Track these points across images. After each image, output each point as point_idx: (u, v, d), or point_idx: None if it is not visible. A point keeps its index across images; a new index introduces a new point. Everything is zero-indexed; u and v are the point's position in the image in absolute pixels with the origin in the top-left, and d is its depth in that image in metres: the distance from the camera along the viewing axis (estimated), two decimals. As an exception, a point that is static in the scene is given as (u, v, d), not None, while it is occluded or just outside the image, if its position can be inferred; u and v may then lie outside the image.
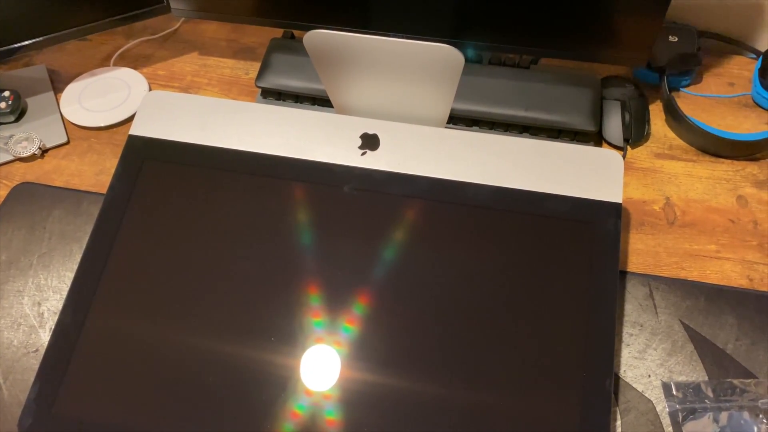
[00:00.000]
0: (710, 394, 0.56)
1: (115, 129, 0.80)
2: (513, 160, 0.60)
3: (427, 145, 0.61)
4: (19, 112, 0.79)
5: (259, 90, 0.80)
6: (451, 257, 0.57)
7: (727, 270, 0.64)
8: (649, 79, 0.79)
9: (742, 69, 0.81)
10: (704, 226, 0.67)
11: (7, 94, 0.79)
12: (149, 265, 0.59)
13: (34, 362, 0.61)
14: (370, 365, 0.54)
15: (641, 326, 0.60)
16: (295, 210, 0.60)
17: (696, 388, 0.56)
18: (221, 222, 0.60)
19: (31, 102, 0.81)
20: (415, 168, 0.60)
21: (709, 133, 0.72)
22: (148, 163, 0.64)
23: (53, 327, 0.57)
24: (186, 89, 0.83)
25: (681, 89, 0.79)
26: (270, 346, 0.55)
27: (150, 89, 0.83)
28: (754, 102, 0.78)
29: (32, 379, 0.57)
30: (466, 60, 0.56)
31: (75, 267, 0.66)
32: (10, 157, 0.76)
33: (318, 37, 0.59)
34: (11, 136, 0.77)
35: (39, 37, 0.77)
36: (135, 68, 0.85)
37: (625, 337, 0.60)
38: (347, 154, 0.62)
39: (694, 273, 0.64)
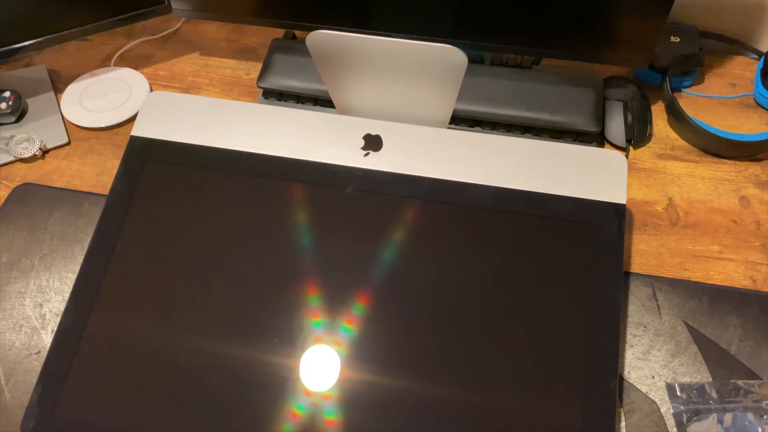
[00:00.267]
0: (714, 395, 0.56)
1: (115, 129, 0.79)
2: (516, 160, 0.60)
3: (430, 146, 0.61)
4: (19, 113, 0.79)
5: (261, 90, 0.80)
6: (454, 258, 0.57)
7: (730, 271, 0.64)
8: (650, 80, 0.79)
9: (743, 69, 0.81)
10: (707, 227, 0.67)
11: (7, 94, 0.78)
12: (151, 267, 0.59)
13: (37, 364, 0.61)
14: (371, 366, 0.54)
15: (645, 327, 0.60)
16: (297, 211, 0.60)
17: (700, 389, 0.56)
18: (223, 223, 0.60)
19: (32, 102, 0.81)
20: (418, 169, 0.60)
21: (711, 134, 0.71)
22: (150, 164, 0.63)
23: (55, 328, 0.57)
24: (187, 90, 0.83)
25: (683, 90, 0.79)
26: (273, 348, 0.55)
27: (151, 90, 0.83)
28: (756, 102, 0.77)
29: (34, 381, 0.57)
30: (469, 61, 0.56)
31: (76, 268, 0.66)
32: (11, 158, 0.76)
33: (320, 38, 0.59)
34: (12, 137, 0.77)
35: (39, 37, 0.77)
36: (136, 68, 0.85)
37: (629, 338, 0.60)
38: (350, 155, 0.62)
39: (697, 274, 0.64)
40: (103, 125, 0.79)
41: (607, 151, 0.59)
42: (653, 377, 0.58)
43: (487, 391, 0.52)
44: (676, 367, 0.58)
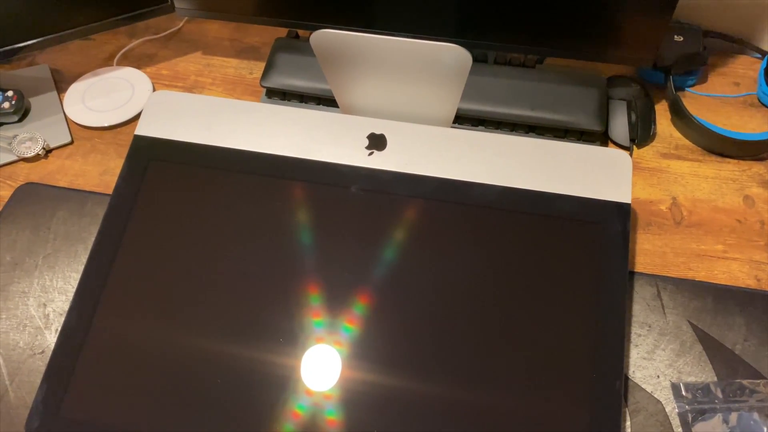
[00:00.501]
0: (719, 394, 0.56)
1: (118, 129, 0.79)
2: (521, 160, 0.60)
3: (435, 145, 0.61)
4: (22, 112, 0.79)
5: (264, 90, 0.80)
6: (458, 258, 0.57)
7: (734, 270, 0.64)
8: (653, 79, 0.79)
9: (747, 69, 0.81)
10: (711, 226, 0.67)
11: (10, 93, 0.78)
12: (155, 266, 0.59)
13: (41, 364, 0.61)
14: (374, 366, 0.54)
15: (649, 327, 0.60)
16: (301, 211, 0.60)
17: (705, 388, 0.56)
18: (227, 223, 0.60)
19: (35, 102, 0.81)
20: (423, 168, 0.60)
21: (715, 133, 0.71)
22: (153, 163, 0.63)
23: (59, 328, 0.57)
24: (190, 89, 0.83)
25: (686, 89, 0.79)
26: (277, 347, 0.55)
27: (154, 89, 0.83)
28: (760, 101, 0.77)
29: (39, 380, 0.57)
30: (472, 60, 0.56)
31: (80, 268, 0.66)
32: (14, 158, 0.76)
33: (325, 37, 0.59)
34: (15, 137, 0.77)
35: (42, 36, 0.77)
36: (138, 68, 0.84)
37: (634, 337, 0.60)
38: (354, 155, 0.61)
39: (701, 273, 0.64)
40: (106, 124, 0.79)
41: (612, 151, 0.59)
42: (658, 377, 0.58)
43: (492, 390, 0.52)
44: (681, 367, 0.58)
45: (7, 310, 0.64)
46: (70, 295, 0.65)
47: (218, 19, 0.78)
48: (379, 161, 0.61)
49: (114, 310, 0.58)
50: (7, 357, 0.62)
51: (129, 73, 0.84)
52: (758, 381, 0.56)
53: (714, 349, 0.59)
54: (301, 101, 0.78)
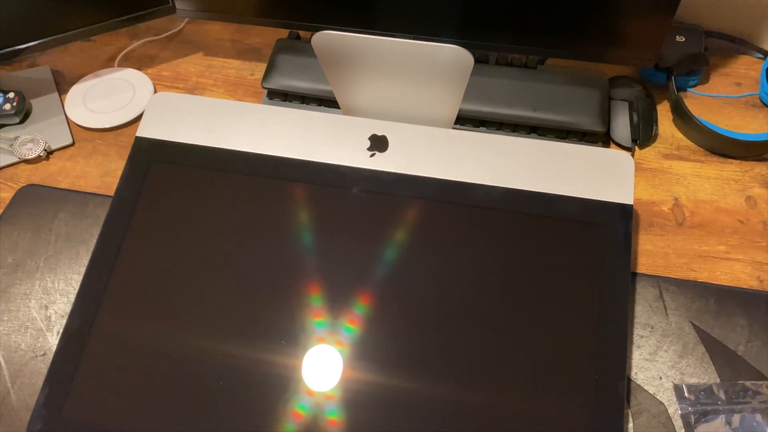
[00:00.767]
0: (722, 396, 0.55)
1: (119, 130, 0.79)
2: (522, 161, 0.60)
3: (437, 147, 0.61)
4: (23, 114, 0.79)
5: (265, 91, 0.80)
6: (460, 259, 0.57)
7: (737, 271, 0.64)
8: (655, 80, 0.79)
9: (749, 69, 0.81)
10: (713, 227, 0.67)
11: (11, 95, 0.78)
12: (157, 268, 0.59)
13: (42, 366, 0.61)
14: (381, 367, 0.54)
15: (652, 328, 0.60)
16: (303, 212, 0.60)
17: (708, 390, 0.56)
18: (229, 224, 0.60)
19: (36, 103, 0.81)
20: (424, 169, 0.60)
21: (717, 134, 0.71)
22: (155, 165, 0.63)
23: (61, 330, 0.57)
24: (191, 90, 0.83)
25: (688, 89, 0.79)
26: (280, 348, 0.55)
27: (155, 90, 0.82)
28: (762, 102, 0.77)
29: (41, 383, 0.57)
30: (474, 60, 0.56)
31: (82, 270, 0.66)
32: (15, 159, 0.76)
33: (326, 38, 0.59)
34: (16, 138, 0.77)
35: (43, 38, 0.77)
36: (139, 69, 0.84)
37: (636, 338, 0.60)
38: (356, 156, 0.61)
39: (703, 274, 0.64)
40: (107, 126, 0.79)
41: (614, 152, 0.59)
42: (661, 378, 0.58)
43: (494, 392, 0.52)
44: (684, 368, 0.58)
45: (9, 312, 0.64)
46: (72, 297, 0.65)
47: (219, 20, 0.78)
48: (380, 162, 0.61)
49: (116, 312, 0.58)
50: (9, 359, 0.62)
51: (130, 74, 0.84)
52: (761, 382, 0.56)
53: (716, 351, 0.59)
54: (303, 102, 0.78)
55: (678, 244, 0.66)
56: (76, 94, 0.81)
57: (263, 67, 0.82)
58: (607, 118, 0.72)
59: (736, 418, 0.54)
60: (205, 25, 0.90)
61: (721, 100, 0.78)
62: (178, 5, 0.77)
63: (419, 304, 0.55)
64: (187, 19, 0.90)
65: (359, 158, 0.61)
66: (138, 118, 0.79)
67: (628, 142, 0.73)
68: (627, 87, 0.76)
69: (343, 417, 0.52)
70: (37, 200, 0.72)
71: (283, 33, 0.85)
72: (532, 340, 0.53)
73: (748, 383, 0.56)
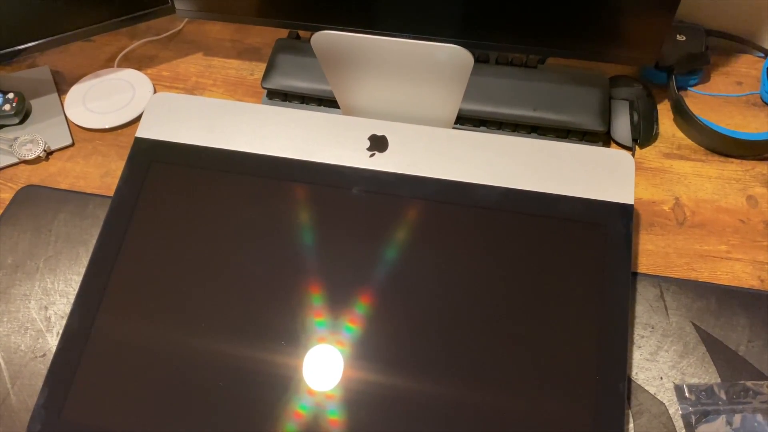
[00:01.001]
0: (723, 396, 0.55)
1: (119, 131, 0.79)
2: (523, 161, 0.60)
3: (437, 147, 0.61)
4: (23, 114, 0.79)
5: (265, 91, 0.80)
6: (461, 259, 0.57)
7: (738, 271, 0.64)
8: (656, 79, 0.78)
9: (750, 68, 0.80)
10: (714, 227, 0.67)
11: (11, 96, 0.78)
12: (157, 269, 0.59)
13: (42, 367, 0.61)
14: (382, 366, 0.53)
15: (652, 328, 0.60)
16: (303, 212, 0.60)
17: (709, 390, 0.56)
18: (229, 225, 0.60)
19: (36, 104, 0.81)
20: (424, 169, 0.60)
21: (718, 133, 0.71)
22: (155, 165, 0.63)
23: (61, 331, 0.57)
24: (191, 90, 0.83)
25: (689, 88, 0.79)
26: (281, 348, 0.55)
27: (155, 90, 0.82)
28: (763, 101, 0.77)
29: (40, 384, 0.57)
30: (474, 60, 0.56)
31: (82, 270, 0.66)
32: (15, 160, 0.76)
33: (326, 38, 0.58)
34: (16, 139, 0.76)
35: (42, 38, 0.77)
36: (139, 69, 0.84)
37: (637, 338, 0.60)
38: (356, 156, 0.61)
39: (704, 274, 0.64)
40: (107, 126, 0.78)
41: (615, 151, 0.59)
42: (661, 378, 0.57)
43: (495, 392, 0.52)
44: (685, 368, 0.58)
45: (9, 313, 0.64)
46: (72, 298, 0.65)
47: (219, 20, 0.78)
48: (380, 162, 0.61)
49: (116, 313, 0.58)
50: (9, 360, 0.62)
51: (130, 74, 0.84)
52: (762, 382, 0.56)
53: (717, 351, 0.58)
54: (303, 102, 0.78)
55: (679, 243, 0.66)
56: (75, 94, 0.81)
57: (263, 67, 0.82)
58: (607, 118, 0.72)
59: (737, 419, 0.54)
60: (205, 25, 0.90)
61: (722, 99, 0.78)
62: (177, 5, 0.77)
63: (420, 304, 0.55)
64: (186, 19, 0.90)
65: (359, 158, 0.61)
66: (138, 119, 0.79)
67: (628, 142, 0.73)
68: (627, 86, 0.76)
69: (344, 417, 0.52)
70: (36, 201, 0.72)
71: (283, 33, 0.85)
72: (533, 341, 0.53)
73: (749, 383, 0.56)
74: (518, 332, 0.54)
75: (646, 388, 0.57)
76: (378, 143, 0.62)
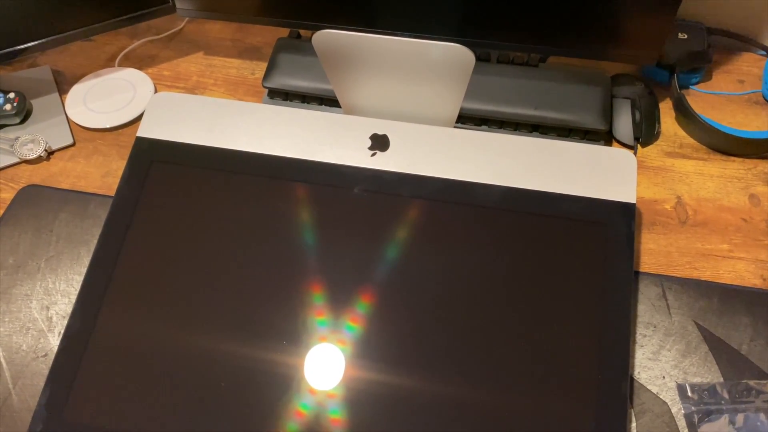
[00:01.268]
0: (726, 395, 0.55)
1: (120, 130, 0.79)
2: (524, 160, 0.60)
3: (438, 146, 0.61)
4: (24, 114, 0.79)
5: (266, 90, 0.80)
6: (462, 259, 0.56)
7: (740, 270, 0.64)
8: (658, 77, 0.78)
9: (752, 66, 0.80)
10: (716, 226, 0.67)
11: (12, 95, 0.78)
12: (158, 268, 0.59)
13: (44, 367, 0.61)
14: (383, 366, 0.53)
15: (655, 327, 0.60)
16: (304, 212, 0.59)
17: (711, 389, 0.56)
18: (230, 224, 0.60)
19: (36, 103, 0.81)
20: (426, 169, 0.60)
21: (720, 131, 0.71)
22: (156, 165, 0.63)
23: (62, 331, 0.57)
24: (192, 90, 0.82)
25: (691, 87, 0.78)
26: (283, 348, 0.55)
27: (155, 90, 0.82)
28: (765, 99, 0.77)
29: (42, 384, 0.57)
30: (475, 59, 0.56)
31: (83, 270, 0.66)
32: (16, 160, 0.76)
33: (327, 37, 0.58)
34: (17, 138, 0.76)
35: (43, 38, 0.77)
36: (140, 69, 0.84)
37: (639, 338, 0.59)
38: (357, 155, 0.61)
39: (706, 273, 0.64)
40: (107, 126, 0.78)
41: (616, 150, 0.59)
42: (664, 377, 0.57)
43: (497, 391, 0.52)
44: (687, 368, 0.58)
45: (10, 313, 0.64)
46: (73, 298, 0.65)
47: (220, 19, 0.78)
48: (382, 162, 0.61)
49: (117, 313, 0.58)
50: (10, 360, 0.61)
51: (130, 74, 0.83)
52: (765, 381, 0.56)
53: (720, 350, 0.58)
54: (304, 102, 0.78)
55: (681, 242, 0.66)
56: (76, 94, 0.81)
57: (264, 66, 0.82)
58: (609, 116, 0.72)
59: (739, 418, 0.54)
60: (206, 24, 0.90)
61: (723, 98, 0.77)
62: (178, 4, 0.77)
63: (421, 304, 0.55)
64: (187, 19, 0.90)
65: (360, 157, 0.61)
66: (139, 118, 0.79)
67: (630, 141, 0.73)
68: (629, 85, 0.75)
69: (345, 416, 0.52)
70: (37, 201, 0.72)
71: (284, 32, 0.85)
72: (535, 340, 0.53)
73: (751, 382, 0.56)
74: (520, 331, 0.54)
75: (649, 387, 0.57)
76: (379, 142, 0.61)
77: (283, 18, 0.76)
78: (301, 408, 0.53)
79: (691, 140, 0.74)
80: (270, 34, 0.88)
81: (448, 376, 0.53)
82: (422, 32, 0.71)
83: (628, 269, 0.55)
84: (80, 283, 0.59)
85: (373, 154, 0.61)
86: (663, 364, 0.58)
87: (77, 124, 0.79)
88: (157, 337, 0.56)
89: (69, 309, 0.64)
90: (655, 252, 0.65)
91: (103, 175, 0.75)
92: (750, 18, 0.81)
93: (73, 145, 0.78)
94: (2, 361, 0.61)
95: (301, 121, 0.63)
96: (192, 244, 0.59)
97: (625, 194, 0.57)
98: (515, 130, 0.74)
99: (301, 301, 0.56)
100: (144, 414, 0.54)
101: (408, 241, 0.57)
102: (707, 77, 0.79)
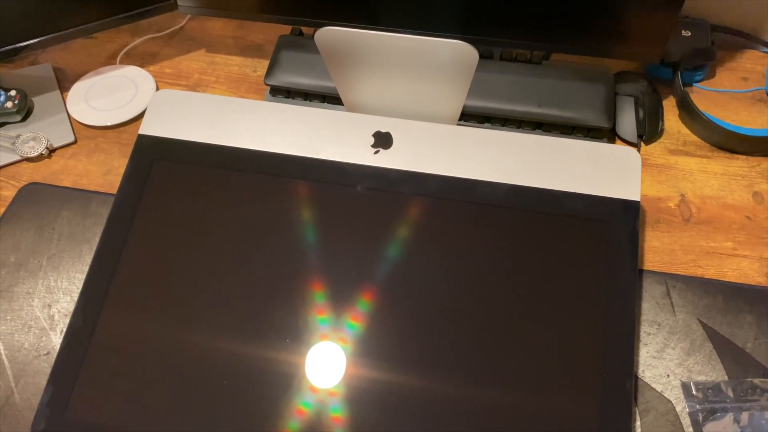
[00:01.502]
0: (730, 394, 0.55)
1: (122, 128, 0.79)
2: (528, 157, 0.59)
3: (442, 143, 0.60)
4: (25, 112, 0.79)
5: (268, 88, 0.80)
6: (465, 257, 0.56)
7: (744, 267, 0.63)
8: (661, 75, 0.78)
9: (755, 63, 0.80)
10: (720, 223, 0.67)
11: (13, 93, 0.78)
12: (160, 266, 0.59)
13: (46, 365, 0.61)
14: (385, 364, 0.53)
15: (659, 325, 0.60)
16: (307, 210, 0.59)
17: (716, 388, 0.56)
18: (232, 222, 0.60)
19: (38, 101, 0.81)
20: (429, 166, 0.60)
21: (723, 129, 0.71)
22: (158, 163, 0.63)
23: (65, 329, 0.57)
24: (193, 87, 0.82)
25: (694, 84, 0.78)
26: (285, 346, 0.55)
27: (157, 87, 0.82)
28: (769, 97, 0.77)
29: (44, 382, 0.56)
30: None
31: (85, 268, 0.66)
32: (17, 157, 0.76)
33: (329, 34, 0.58)
34: (18, 136, 0.76)
35: (44, 35, 0.76)
36: (141, 66, 0.84)
37: (643, 336, 0.59)
38: (360, 153, 0.61)
39: (711, 271, 0.63)
40: (109, 124, 0.78)
41: (621, 148, 0.59)
42: (668, 376, 0.57)
43: (500, 390, 0.52)
44: (691, 366, 0.58)
45: (12, 311, 0.64)
46: (75, 296, 0.64)
47: (221, 16, 0.78)
48: (385, 159, 0.60)
49: (119, 311, 0.57)
50: (13, 358, 0.61)
51: (132, 71, 0.83)
52: (769, 380, 0.56)
53: (724, 348, 0.58)
54: (306, 99, 0.78)
55: (685, 240, 0.66)
56: (78, 91, 0.81)
57: (266, 63, 0.82)
58: (612, 114, 0.71)
59: (744, 416, 0.54)
60: (207, 21, 0.90)
61: (727, 95, 0.77)
62: (179, 2, 0.77)
63: (425, 302, 0.55)
64: (188, 16, 0.90)
65: (363, 155, 0.61)
66: (140, 116, 0.79)
67: (633, 138, 0.73)
68: (632, 82, 0.75)
69: (346, 414, 0.52)
70: (39, 199, 0.72)
71: (286, 29, 0.85)
72: (539, 338, 0.53)
73: (756, 381, 0.56)
74: (524, 330, 0.53)
75: (653, 385, 0.57)
76: (383, 140, 0.61)
77: (284, 15, 0.75)
78: (302, 406, 0.53)
79: (694, 138, 0.74)
80: (272, 31, 0.87)
81: (451, 375, 0.52)
82: (425, 29, 0.71)
83: (633, 267, 0.54)
84: (82, 281, 0.59)
85: (376, 152, 0.61)
86: (667, 362, 0.58)
87: (79, 122, 0.79)
88: (159, 335, 0.56)
89: (71, 307, 0.64)
90: (658, 250, 0.65)
91: (104, 172, 0.75)
92: (754, 15, 0.80)
93: (75, 142, 0.78)
94: (4, 359, 0.61)
95: (303, 119, 0.63)
96: (194, 242, 0.59)
97: (630, 192, 0.57)
98: (518, 127, 0.73)
99: (304, 299, 0.56)
100: (147, 412, 0.54)
101: (411, 239, 0.57)
102: (711, 75, 0.79)
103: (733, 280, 0.63)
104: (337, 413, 0.52)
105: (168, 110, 0.65)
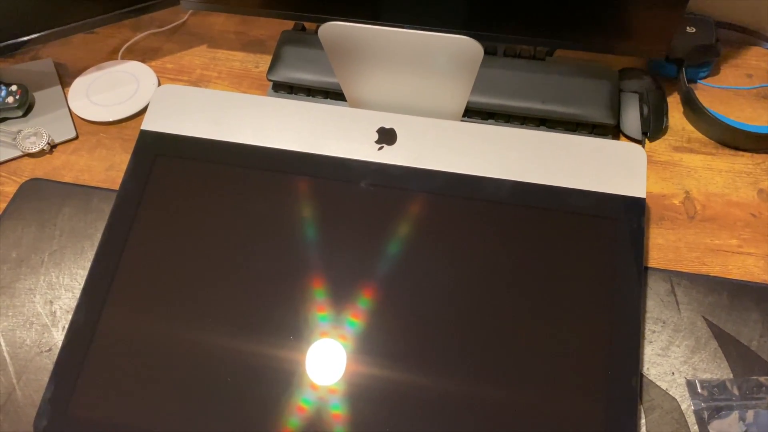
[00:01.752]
0: (736, 391, 0.55)
1: (124, 123, 0.79)
2: (532, 154, 0.59)
3: (446, 140, 0.60)
4: (26, 107, 0.78)
5: (271, 83, 0.79)
6: (470, 254, 0.56)
7: (749, 265, 0.63)
8: (665, 71, 0.78)
9: (760, 60, 0.80)
10: (725, 221, 0.66)
11: (14, 88, 0.77)
12: (163, 262, 0.58)
13: (48, 362, 0.60)
14: (386, 361, 0.53)
15: (664, 323, 0.59)
16: (310, 206, 0.59)
17: (721, 385, 0.55)
18: (235, 218, 0.59)
19: (39, 96, 0.80)
20: (433, 163, 0.59)
21: (728, 126, 0.70)
22: (160, 158, 0.63)
23: (66, 326, 0.57)
24: (195, 83, 0.82)
25: (698, 81, 0.78)
26: (287, 343, 0.54)
27: (159, 83, 0.82)
28: (773, 93, 0.76)
29: (46, 379, 0.56)
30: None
31: (87, 264, 0.66)
32: (19, 153, 0.75)
33: (333, 30, 0.58)
34: (19, 132, 0.76)
35: (45, 30, 0.76)
36: (143, 61, 0.84)
37: (648, 333, 0.59)
38: (364, 149, 0.61)
39: (716, 268, 0.63)
40: (111, 119, 0.78)
41: (626, 144, 0.58)
42: (673, 374, 0.57)
43: (505, 388, 0.51)
44: (696, 364, 0.57)
45: (14, 308, 0.64)
46: (77, 292, 0.64)
47: (223, 11, 0.77)
48: (388, 156, 0.60)
49: (121, 307, 0.57)
50: (14, 355, 0.61)
51: (134, 66, 0.83)
52: (775, 378, 0.55)
53: (729, 346, 0.58)
54: (309, 95, 0.77)
55: (689, 237, 0.65)
56: (79, 86, 0.81)
57: (268, 59, 0.81)
58: (617, 111, 0.71)
59: (750, 414, 0.54)
60: (209, 16, 0.89)
61: (732, 92, 0.77)
62: (182, -4, 0.76)
63: (427, 299, 0.55)
64: (190, 11, 0.89)
65: (367, 151, 0.60)
66: (142, 111, 0.79)
67: (638, 135, 0.72)
68: (637, 79, 0.75)
69: (347, 411, 0.52)
70: (40, 194, 0.71)
71: (288, 25, 0.84)
72: (544, 336, 0.53)
73: (762, 378, 0.55)
74: (529, 327, 0.53)
75: (658, 383, 0.57)
76: (386, 136, 0.61)
77: (287, 10, 0.75)
78: (302, 403, 0.52)
79: (699, 135, 0.73)
80: (274, 26, 0.87)
81: (455, 372, 0.52)
82: (429, 25, 0.71)
83: (638, 264, 0.54)
84: (84, 278, 0.58)
85: (380, 148, 0.61)
86: (672, 360, 0.58)
87: (80, 117, 0.78)
88: (161, 332, 0.56)
89: (73, 303, 0.64)
90: (663, 247, 0.65)
91: (106, 168, 0.74)
92: (758, 12, 0.80)
93: (76, 138, 0.77)
94: (6, 356, 0.61)
95: (307, 115, 0.63)
96: (197, 238, 0.59)
97: (635, 189, 0.57)
98: (522, 124, 0.73)
99: (307, 296, 0.56)
100: (149, 409, 0.53)
101: (415, 235, 0.57)
102: (715, 71, 0.79)
103: (738, 277, 0.62)
104: (338, 410, 0.52)
105: (170, 106, 0.65)
